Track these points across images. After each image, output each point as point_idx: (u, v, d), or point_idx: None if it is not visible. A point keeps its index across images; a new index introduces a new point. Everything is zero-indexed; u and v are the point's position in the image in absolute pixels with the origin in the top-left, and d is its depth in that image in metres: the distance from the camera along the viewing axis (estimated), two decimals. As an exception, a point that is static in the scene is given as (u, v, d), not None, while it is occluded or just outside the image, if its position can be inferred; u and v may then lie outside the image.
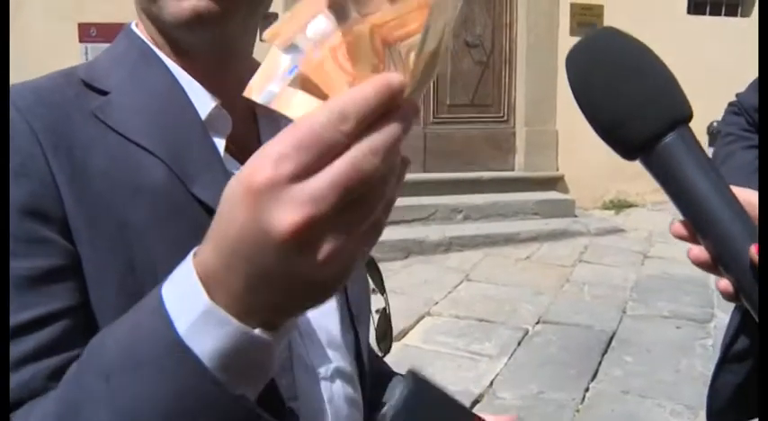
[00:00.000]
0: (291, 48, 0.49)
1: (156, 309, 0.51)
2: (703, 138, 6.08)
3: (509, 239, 6.47)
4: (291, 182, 0.43)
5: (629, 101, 0.62)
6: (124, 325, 0.54)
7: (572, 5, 7.66)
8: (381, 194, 0.46)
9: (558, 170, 7.74)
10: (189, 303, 0.49)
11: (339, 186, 0.43)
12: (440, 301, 4.93)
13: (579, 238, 6.67)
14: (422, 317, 4.60)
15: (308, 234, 0.44)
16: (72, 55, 6.17)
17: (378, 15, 0.47)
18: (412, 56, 0.47)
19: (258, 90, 0.49)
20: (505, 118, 7.75)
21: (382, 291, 0.98)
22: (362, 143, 0.44)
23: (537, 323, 4.55)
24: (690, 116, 0.62)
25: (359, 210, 0.45)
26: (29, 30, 6.22)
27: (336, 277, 0.48)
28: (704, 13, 8.29)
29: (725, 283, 0.64)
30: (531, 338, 4.32)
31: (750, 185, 1.20)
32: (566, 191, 7.66)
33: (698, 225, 0.63)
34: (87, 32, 6.17)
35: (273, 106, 0.48)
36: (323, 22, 0.48)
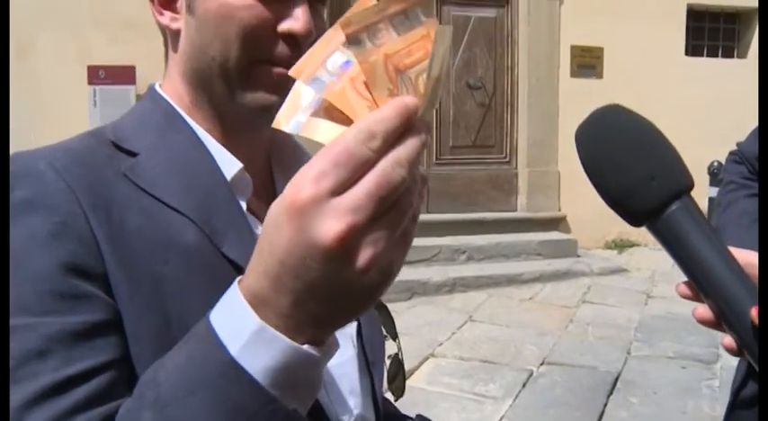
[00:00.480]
0: (314, 81, 0.54)
1: (207, 335, 0.54)
2: (705, 178, 6.12)
3: (512, 280, 6.46)
4: (332, 196, 0.48)
5: (634, 174, 0.66)
6: (174, 358, 0.57)
7: (572, 48, 7.78)
8: (409, 203, 0.51)
9: (560, 210, 7.76)
10: (239, 326, 0.53)
11: (373, 196, 0.48)
12: (444, 342, 4.91)
13: (582, 278, 6.67)
14: (426, 359, 4.58)
15: (350, 242, 0.48)
16: (81, 97, 6.29)
17: (389, 45, 0.53)
18: (421, 80, 0.53)
19: (285, 121, 0.54)
20: (508, 159, 7.80)
21: (394, 336, 0.99)
22: (389, 157, 0.49)
23: (541, 364, 4.52)
24: (691, 186, 0.67)
25: (391, 218, 0.50)
26: (39, 72, 6.33)
27: (376, 285, 0.52)
28: (702, 55, 8.41)
29: (729, 340, 0.67)
30: (536, 380, 4.29)
31: (752, 233, 1.24)
32: (568, 231, 7.68)
33: (701, 286, 0.67)
34: (96, 75, 6.29)
35: (302, 133, 0.54)
36: (340, 57, 0.54)
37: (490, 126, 7.71)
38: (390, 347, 1.00)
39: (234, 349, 0.52)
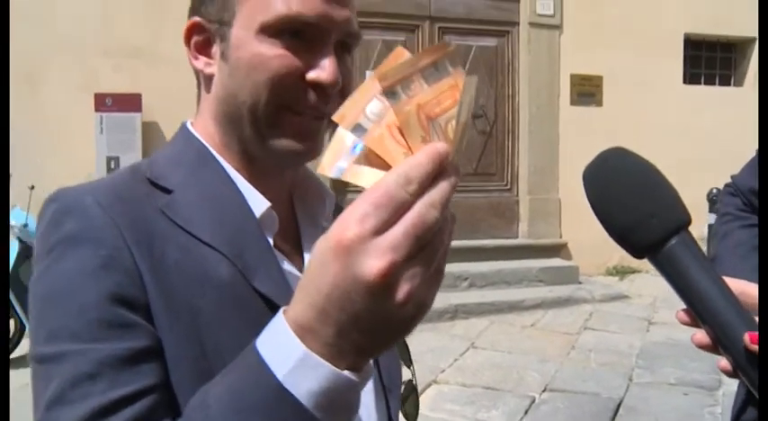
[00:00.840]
0: (356, 127, 0.60)
1: (255, 361, 0.59)
2: (704, 204, 6.17)
3: (514, 306, 6.49)
4: (374, 235, 0.53)
5: (636, 213, 0.72)
6: (222, 383, 0.62)
7: (572, 76, 7.88)
8: (441, 241, 0.56)
9: (561, 237, 7.81)
10: (285, 353, 0.58)
11: (411, 236, 0.53)
12: (446, 369, 4.93)
13: (584, 305, 6.70)
14: (429, 386, 4.59)
15: (390, 278, 0.53)
16: (88, 123, 6.37)
17: (420, 96, 0.58)
18: (450, 126, 0.58)
19: (329, 167, 0.59)
20: (509, 186, 7.86)
21: (408, 363, 1.03)
22: (424, 199, 0.54)
23: (543, 391, 4.54)
24: (688, 222, 0.73)
25: (426, 256, 0.55)
26: (48, 99, 6.43)
27: (411, 317, 0.57)
28: (700, 83, 8.51)
29: (725, 363, 0.73)
30: (539, 406, 4.30)
31: (747, 262, 1.30)
32: (569, 257, 7.72)
33: (699, 314, 0.73)
34: (103, 102, 6.38)
35: (345, 178, 0.59)
36: (378, 105, 0.59)
37: (491, 154, 7.80)
38: (404, 373, 1.03)
39: (280, 374, 0.57)
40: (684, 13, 8.07)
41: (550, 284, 7.06)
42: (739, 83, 8.64)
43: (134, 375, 0.70)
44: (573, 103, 7.88)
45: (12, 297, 5.21)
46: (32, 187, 5.39)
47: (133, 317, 0.72)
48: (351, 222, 0.54)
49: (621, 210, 0.73)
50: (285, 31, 0.82)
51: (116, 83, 6.48)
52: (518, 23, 7.78)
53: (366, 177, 0.58)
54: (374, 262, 0.53)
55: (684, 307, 0.74)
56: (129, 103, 6.39)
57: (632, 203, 0.73)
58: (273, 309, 0.77)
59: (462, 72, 0.60)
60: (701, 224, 7.16)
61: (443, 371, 4.89)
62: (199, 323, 0.76)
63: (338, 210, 1.01)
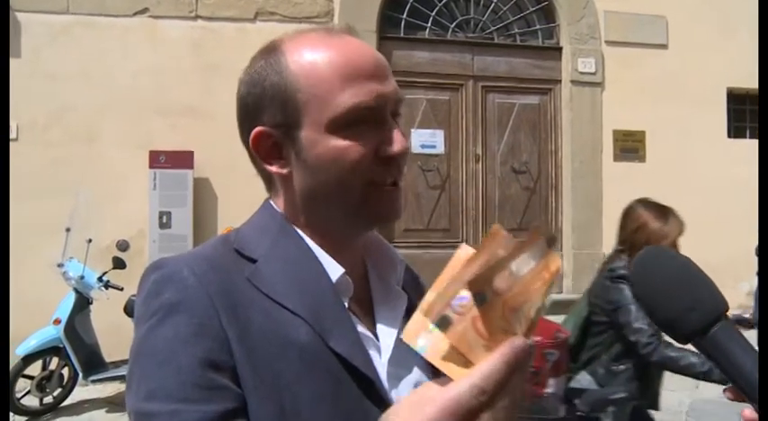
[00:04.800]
0: (442, 320, 0.65)
1: None
2: (752, 259, 6.08)
3: (559, 362, 6.41)
4: None
5: (677, 306, 0.80)
6: None
7: (614, 132, 7.89)
8: None
9: (606, 292, 7.71)
10: None
11: None
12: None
13: (631, 361, 6.57)
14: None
15: None
16: (142, 179, 6.58)
17: (507, 293, 0.63)
18: (533, 311, 0.64)
19: (413, 339, 0.67)
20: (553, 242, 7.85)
21: None
22: (498, 407, 0.62)
23: (591, 447, 4.46)
24: (726, 309, 0.79)
25: None
26: (105, 156, 6.67)
27: None
28: (745, 137, 8.41)
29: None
30: (586, 463, 4.24)
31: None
32: (615, 313, 7.61)
33: (745, 391, 0.78)
34: (157, 159, 6.60)
35: (427, 357, 0.66)
36: (465, 298, 0.64)
37: (535, 209, 7.83)
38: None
39: None
40: (727, 67, 8.05)
41: (596, 340, 6.97)
42: (786, 137, 8.55)
43: None
44: (616, 158, 7.88)
45: (67, 345, 5.34)
46: (90, 241, 5.58)
47: (222, 381, 0.80)
48: None
49: (663, 305, 0.81)
50: (351, 120, 0.91)
51: (169, 140, 6.70)
52: (560, 81, 7.88)
53: (448, 367, 0.65)
54: None
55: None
56: (182, 159, 6.62)
57: (672, 299, 0.80)
58: (348, 367, 0.86)
59: (554, 253, 0.65)
60: (750, 276, 7.05)
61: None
62: (279, 384, 0.83)
63: (409, 272, 1.09)
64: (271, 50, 0.97)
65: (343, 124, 0.91)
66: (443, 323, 0.64)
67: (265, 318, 0.86)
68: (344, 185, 0.92)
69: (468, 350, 0.63)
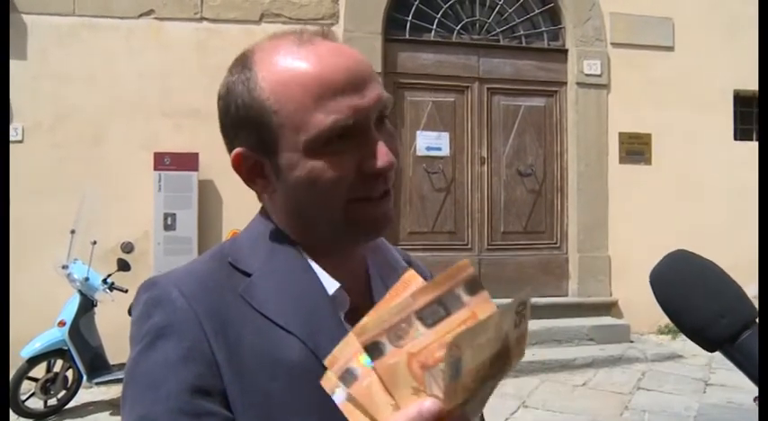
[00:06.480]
0: (345, 373, 0.60)
1: None
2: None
3: (565, 365, 6.41)
4: None
5: (706, 313, 0.77)
6: None
7: (620, 134, 7.88)
8: None
9: (611, 295, 7.71)
10: None
11: None
12: (497, 427, 4.88)
13: (636, 364, 6.58)
14: (479, 444, 4.54)
15: None
16: (147, 181, 6.58)
17: (413, 344, 0.55)
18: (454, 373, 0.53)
19: (332, 385, 0.62)
20: (558, 244, 7.84)
21: None
22: None
23: (597, 451, 4.46)
24: (755, 316, 0.77)
25: None
26: (111, 158, 6.68)
27: None
28: (751, 139, 8.37)
29: None
30: (592, 467, 4.23)
31: None
32: (620, 316, 7.60)
33: None
34: (162, 161, 6.61)
35: (341, 409, 0.60)
36: (367, 357, 0.57)
37: (540, 212, 7.81)
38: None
39: None
40: (733, 70, 8.03)
41: (601, 343, 6.97)
42: (792, 140, 8.52)
43: None
44: (622, 161, 7.87)
45: (72, 348, 5.33)
46: (94, 242, 5.58)
47: (211, 407, 0.80)
48: None
49: (690, 312, 0.78)
50: (328, 140, 0.86)
51: (174, 142, 6.71)
52: (565, 83, 7.87)
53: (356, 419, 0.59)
54: None
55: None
56: (187, 161, 6.62)
57: (700, 305, 0.78)
58: None
59: (485, 297, 0.56)
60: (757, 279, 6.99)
61: (494, 429, 4.83)
62: (269, 404, 0.82)
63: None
64: (241, 64, 0.94)
65: (320, 145, 0.86)
66: (347, 378, 0.59)
67: (256, 337, 0.85)
68: (327, 206, 0.89)
69: (374, 408, 0.57)
